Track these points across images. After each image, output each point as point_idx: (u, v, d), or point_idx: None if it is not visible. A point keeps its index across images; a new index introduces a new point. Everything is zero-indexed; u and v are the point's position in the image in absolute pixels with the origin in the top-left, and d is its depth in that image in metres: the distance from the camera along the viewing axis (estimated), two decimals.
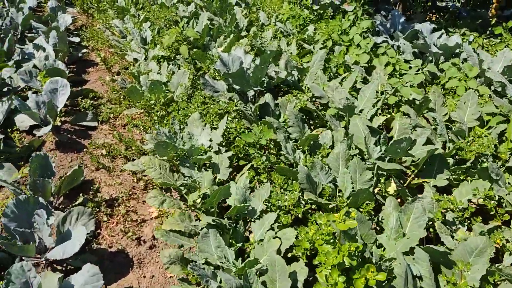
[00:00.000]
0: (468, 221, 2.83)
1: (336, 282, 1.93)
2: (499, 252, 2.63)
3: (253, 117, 3.91)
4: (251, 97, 4.40)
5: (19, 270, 2.37)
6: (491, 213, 2.82)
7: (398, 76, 4.64)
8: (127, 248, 3.06)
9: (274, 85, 4.44)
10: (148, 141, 3.55)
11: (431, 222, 2.74)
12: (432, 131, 3.52)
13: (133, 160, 4.00)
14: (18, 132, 4.38)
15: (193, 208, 3.12)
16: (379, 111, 3.91)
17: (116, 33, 6.45)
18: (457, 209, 2.73)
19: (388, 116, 3.89)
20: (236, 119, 3.88)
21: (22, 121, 4.46)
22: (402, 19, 5.71)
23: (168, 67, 4.91)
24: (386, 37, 5.52)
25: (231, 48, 5.08)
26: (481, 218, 2.73)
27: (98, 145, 4.10)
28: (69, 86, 4.50)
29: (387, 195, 3.26)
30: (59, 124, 4.39)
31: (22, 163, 3.96)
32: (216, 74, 4.63)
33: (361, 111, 3.91)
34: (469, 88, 4.05)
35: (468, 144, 3.26)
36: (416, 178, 3.22)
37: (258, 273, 2.31)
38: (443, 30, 5.29)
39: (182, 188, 3.13)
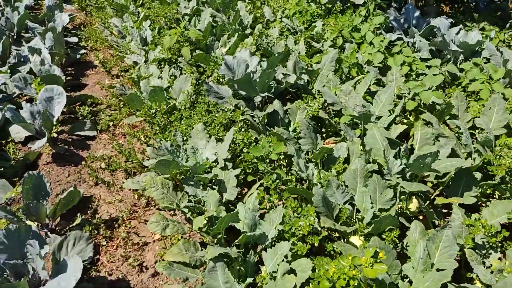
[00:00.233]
0: (500, 244, 2.57)
1: None
2: None
3: (261, 126, 3.64)
4: (258, 103, 4.12)
5: None
6: None
7: (414, 76, 4.34)
8: (128, 276, 2.83)
9: (282, 90, 4.15)
10: (149, 155, 3.30)
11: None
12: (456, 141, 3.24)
13: (134, 174, 3.76)
14: (13, 144, 4.16)
15: (198, 231, 2.88)
16: (397, 118, 3.62)
17: (115, 33, 6.17)
18: (490, 234, 2.47)
19: (406, 123, 3.60)
20: (243, 129, 3.62)
21: (17, 132, 4.23)
22: (417, 13, 5.37)
23: (169, 70, 4.63)
24: (400, 34, 5.19)
25: (236, 49, 4.80)
26: None
27: (96, 157, 3.86)
28: (65, 93, 4.25)
29: (408, 212, 3.02)
30: (55, 135, 4.15)
31: (17, 178, 3.73)
32: (221, 77, 4.36)
33: (377, 118, 3.63)
34: (494, 91, 3.75)
35: (497, 157, 2.98)
36: (441, 196, 2.94)
37: None
38: (461, 26, 4.95)
39: (186, 210, 2.89)
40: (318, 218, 2.63)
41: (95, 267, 2.90)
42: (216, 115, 3.75)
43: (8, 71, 5.13)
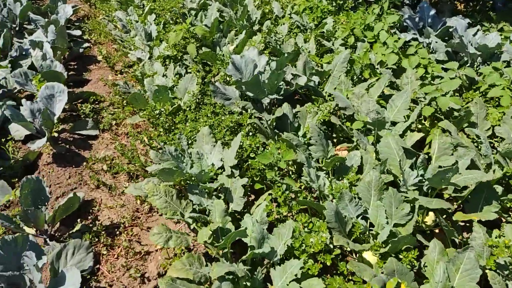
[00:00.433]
0: None
1: None
2: None
3: (270, 130, 3.49)
4: (266, 105, 3.96)
5: None
6: None
7: (430, 79, 4.16)
8: None
9: (291, 92, 3.98)
10: (153, 159, 3.15)
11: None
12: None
13: (137, 177, 3.63)
14: (13, 142, 4.03)
15: (203, 243, 2.75)
16: (413, 125, 3.45)
17: (119, 27, 5.99)
18: None
19: (422, 131, 3.44)
20: (251, 133, 3.47)
21: (17, 130, 4.10)
22: (432, 12, 5.16)
23: (174, 68, 4.47)
24: (414, 33, 5.00)
25: (243, 47, 4.62)
26: None
27: (98, 159, 3.73)
28: (67, 90, 4.11)
29: (424, 226, 2.87)
30: (56, 135, 4.02)
31: (17, 179, 3.61)
32: (228, 77, 4.19)
33: (392, 124, 3.46)
34: None
35: None
36: (460, 211, 2.79)
37: None
38: (478, 26, 4.74)
39: (190, 220, 2.75)
40: (330, 233, 2.48)
41: (95, 277, 2.78)
42: (223, 117, 3.60)
43: (9, 65, 4.98)
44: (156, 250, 2.97)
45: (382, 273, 2.26)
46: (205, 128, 3.38)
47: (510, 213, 2.89)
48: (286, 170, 3.29)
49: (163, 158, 3.08)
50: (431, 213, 2.87)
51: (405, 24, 5.13)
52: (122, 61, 5.45)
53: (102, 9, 7.10)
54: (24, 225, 2.91)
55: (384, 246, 2.38)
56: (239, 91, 3.94)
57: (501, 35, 4.73)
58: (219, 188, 3.01)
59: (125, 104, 4.51)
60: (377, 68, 4.49)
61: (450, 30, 4.71)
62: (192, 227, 2.78)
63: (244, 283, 2.35)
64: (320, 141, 3.16)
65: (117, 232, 3.06)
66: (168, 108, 3.84)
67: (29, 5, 6.56)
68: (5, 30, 5.59)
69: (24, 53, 5.44)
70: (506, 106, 3.50)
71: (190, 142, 3.46)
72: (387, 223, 2.61)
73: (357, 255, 2.62)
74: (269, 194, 2.85)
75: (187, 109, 3.87)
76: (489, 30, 5.12)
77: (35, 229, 2.97)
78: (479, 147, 3.19)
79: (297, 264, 2.25)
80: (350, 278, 2.41)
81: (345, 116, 3.73)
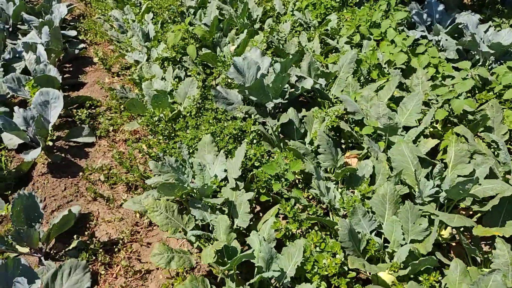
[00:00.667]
0: None
1: None
2: None
3: (275, 137, 3.31)
4: (270, 109, 3.78)
5: None
6: None
7: (440, 79, 3.97)
8: None
9: (297, 95, 3.80)
10: (152, 170, 2.98)
11: None
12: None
13: (135, 187, 3.46)
14: (6, 151, 3.87)
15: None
16: (426, 130, 3.27)
17: (115, 27, 5.79)
18: None
19: (436, 136, 3.26)
20: (255, 140, 3.29)
21: (10, 138, 3.92)
22: (440, 8, 4.95)
23: (173, 71, 4.28)
24: (423, 30, 4.80)
25: (245, 47, 4.43)
26: None
27: (95, 169, 3.56)
28: (63, 94, 3.94)
29: (440, 239, 2.71)
30: (50, 144, 3.84)
31: (10, 192, 3.45)
32: (229, 79, 4.01)
33: (404, 129, 3.28)
34: None
35: None
36: (480, 225, 2.62)
37: None
38: (490, 23, 4.54)
39: (193, 239, 2.59)
40: (345, 255, 2.32)
41: None
42: (225, 124, 3.42)
43: (1, 69, 4.79)
44: (157, 269, 2.81)
45: None
46: (207, 136, 3.21)
47: None
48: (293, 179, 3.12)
49: (163, 170, 2.90)
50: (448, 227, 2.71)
51: (412, 20, 4.93)
52: (119, 63, 5.26)
53: (98, 7, 6.88)
54: (16, 244, 2.74)
55: (402, 267, 2.22)
56: (242, 95, 3.76)
57: None
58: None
59: (122, 109, 4.33)
60: (385, 68, 4.30)
61: (460, 26, 4.51)
62: (195, 245, 2.61)
63: None
64: (329, 149, 2.99)
65: (116, 249, 2.90)
66: (167, 114, 3.66)
67: (22, 5, 6.35)
68: None
69: (17, 55, 5.24)
70: None
71: (191, 151, 3.29)
72: (404, 239, 2.44)
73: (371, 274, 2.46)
74: (277, 208, 2.68)
75: (188, 114, 3.69)
76: (501, 26, 4.92)
77: (28, 248, 2.80)
78: (496, 154, 3.01)
79: None
80: None
81: (353, 120, 3.55)
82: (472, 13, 4.82)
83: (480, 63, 4.19)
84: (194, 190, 2.78)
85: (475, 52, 4.22)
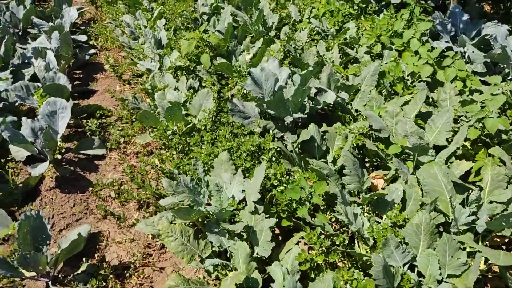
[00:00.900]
0: None
1: None
2: None
3: (296, 155, 3.13)
4: (289, 123, 3.60)
5: None
6: None
7: (468, 94, 3.77)
8: None
9: (317, 109, 3.61)
10: (166, 189, 2.80)
11: None
12: None
13: (148, 205, 3.29)
14: (14, 163, 3.72)
15: None
16: (458, 150, 3.07)
17: (127, 33, 5.64)
18: None
19: (470, 158, 3.06)
20: (274, 158, 3.11)
21: (18, 150, 3.76)
22: (465, 17, 4.75)
23: (187, 81, 4.12)
24: (447, 41, 4.60)
25: (261, 57, 4.25)
26: None
27: (105, 184, 3.40)
28: (72, 102, 3.82)
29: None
30: (59, 157, 3.69)
31: (17, 207, 3.30)
32: (245, 90, 3.83)
33: (434, 148, 3.08)
34: None
35: None
36: None
37: None
38: None
39: (211, 268, 2.41)
40: None
41: None
42: (242, 140, 3.24)
43: (10, 76, 4.66)
44: None
45: None
46: (223, 154, 3.03)
47: None
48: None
49: (178, 190, 2.72)
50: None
51: (435, 30, 4.73)
52: (131, 70, 5.11)
53: (109, 12, 6.75)
54: (22, 268, 2.58)
55: None
56: (259, 108, 3.58)
57: None
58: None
59: (134, 119, 4.17)
60: (407, 79, 4.11)
61: (487, 37, 4.31)
62: (213, 276, 2.43)
63: None
64: (354, 171, 2.80)
65: (127, 274, 2.73)
66: (181, 128, 3.49)
67: (32, 8, 6.24)
68: (6, 37, 5.26)
69: (26, 60, 5.12)
70: None
71: (206, 168, 3.11)
72: (440, 274, 2.24)
73: None
74: (301, 236, 2.49)
75: (203, 128, 3.52)
76: None
77: (35, 272, 2.64)
78: None
79: None
80: None
81: (377, 137, 3.35)
82: (499, 23, 4.61)
83: (510, 77, 3.98)
84: (211, 213, 2.60)
85: (505, 65, 4.01)
